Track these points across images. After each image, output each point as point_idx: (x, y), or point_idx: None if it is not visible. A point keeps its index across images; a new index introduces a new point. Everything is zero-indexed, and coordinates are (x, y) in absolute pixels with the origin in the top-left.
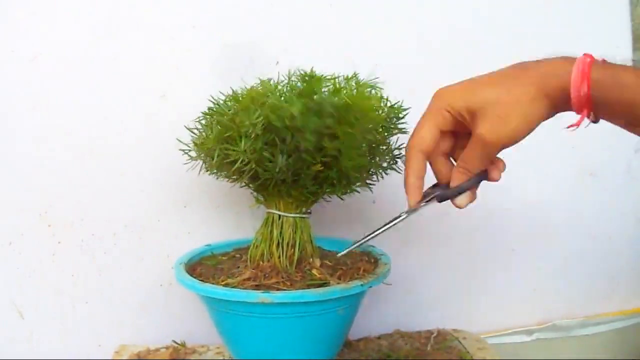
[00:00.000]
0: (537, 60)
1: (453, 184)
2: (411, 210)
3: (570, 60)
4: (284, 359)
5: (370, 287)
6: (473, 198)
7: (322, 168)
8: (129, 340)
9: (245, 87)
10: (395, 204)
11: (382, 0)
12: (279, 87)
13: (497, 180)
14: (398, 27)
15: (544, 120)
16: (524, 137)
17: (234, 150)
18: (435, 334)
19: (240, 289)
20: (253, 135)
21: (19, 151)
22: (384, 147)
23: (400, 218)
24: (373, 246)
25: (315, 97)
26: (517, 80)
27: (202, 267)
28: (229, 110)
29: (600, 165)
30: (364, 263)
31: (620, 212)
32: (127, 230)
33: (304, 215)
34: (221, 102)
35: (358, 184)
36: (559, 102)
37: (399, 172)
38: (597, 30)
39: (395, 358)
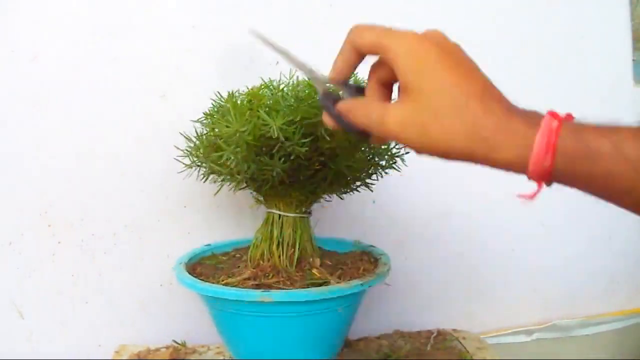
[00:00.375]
0: (510, 111)
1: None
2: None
3: (536, 125)
4: (284, 358)
5: (370, 286)
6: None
7: (319, 167)
8: (129, 340)
9: (247, 87)
10: (396, 204)
11: (382, 0)
12: (281, 88)
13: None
14: (398, 27)
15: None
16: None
17: (219, 165)
18: (435, 334)
19: (241, 288)
20: (240, 148)
21: (19, 151)
22: (383, 147)
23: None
24: (373, 246)
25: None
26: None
27: (202, 266)
28: (222, 116)
29: None
30: (364, 263)
31: (620, 212)
32: (127, 230)
33: (304, 215)
34: (218, 103)
35: (358, 183)
36: (506, 167)
37: (398, 171)
38: (597, 30)
39: (395, 358)
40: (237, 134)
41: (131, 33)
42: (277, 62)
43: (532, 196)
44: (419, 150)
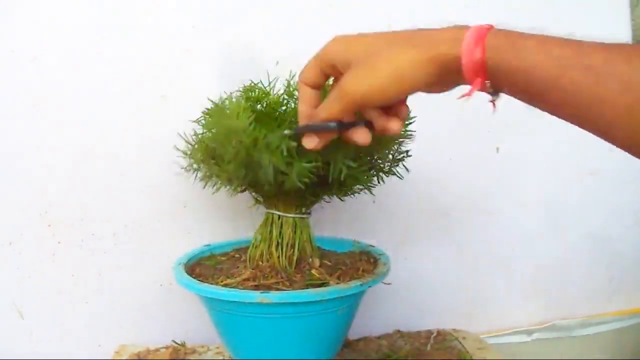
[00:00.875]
0: (434, 28)
1: (317, 117)
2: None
3: (467, 27)
4: (284, 359)
5: (370, 286)
6: (317, 143)
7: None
8: (129, 340)
9: (244, 85)
10: (396, 204)
11: (383, 0)
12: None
13: (396, 131)
14: (398, 27)
15: (428, 88)
16: (390, 97)
17: (218, 167)
18: (435, 334)
19: (240, 289)
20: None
21: (19, 151)
22: (386, 151)
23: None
24: (372, 246)
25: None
26: (404, 41)
27: (201, 267)
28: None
29: (600, 165)
30: (363, 263)
31: (620, 212)
32: (127, 230)
33: (303, 216)
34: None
35: (359, 186)
36: (448, 69)
37: (399, 177)
38: (597, 30)
39: (395, 358)
40: (233, 132)
41: (131, 33)
42: (277, 62)
43: (469, 93)
44: (377, 92)
